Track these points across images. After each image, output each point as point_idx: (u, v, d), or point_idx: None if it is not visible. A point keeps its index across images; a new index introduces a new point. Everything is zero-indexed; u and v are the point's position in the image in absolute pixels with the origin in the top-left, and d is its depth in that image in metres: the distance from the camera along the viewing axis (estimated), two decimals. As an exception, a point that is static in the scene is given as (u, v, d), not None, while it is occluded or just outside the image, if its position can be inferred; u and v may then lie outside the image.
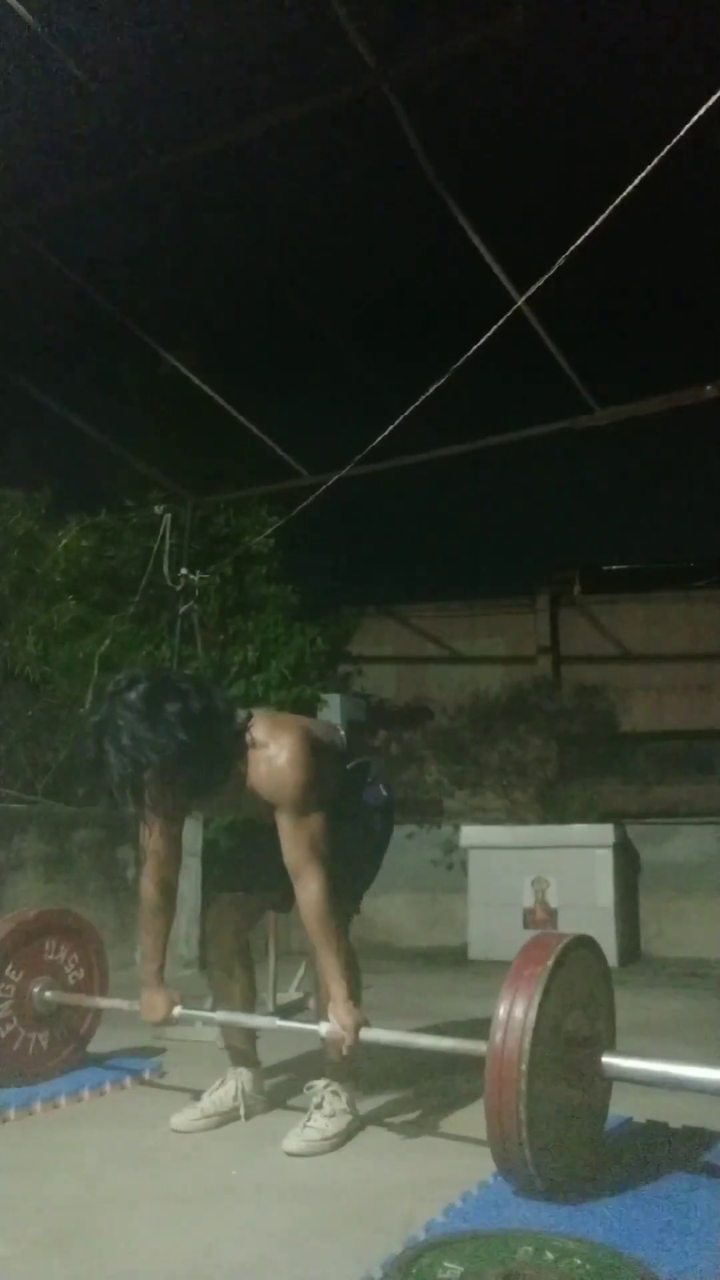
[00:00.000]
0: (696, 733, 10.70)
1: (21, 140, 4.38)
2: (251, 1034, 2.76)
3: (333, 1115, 2.47)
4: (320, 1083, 2.55)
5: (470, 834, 6.94)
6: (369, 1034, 2.36)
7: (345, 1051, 2.38)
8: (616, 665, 11.05)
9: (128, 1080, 3.03)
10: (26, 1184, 2.19)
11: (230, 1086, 2.66)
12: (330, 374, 6.33)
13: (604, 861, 6.39)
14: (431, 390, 4.52)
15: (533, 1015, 1.92)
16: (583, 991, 2.14)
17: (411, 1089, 2.96)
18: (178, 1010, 2.63)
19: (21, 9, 3.65)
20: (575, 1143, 2.07)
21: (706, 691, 11.04)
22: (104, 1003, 3.00)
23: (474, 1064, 3.24)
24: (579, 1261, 1.69)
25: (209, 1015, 2.69)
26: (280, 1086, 2.87)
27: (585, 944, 2.19)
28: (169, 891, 2.68)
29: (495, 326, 4.25)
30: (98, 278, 5.13)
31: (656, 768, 9.46)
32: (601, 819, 7.01)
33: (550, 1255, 1.71)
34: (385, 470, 5.48)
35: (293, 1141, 2.40)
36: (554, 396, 5.19)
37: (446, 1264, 1.68)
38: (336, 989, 2.39)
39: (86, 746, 2.34)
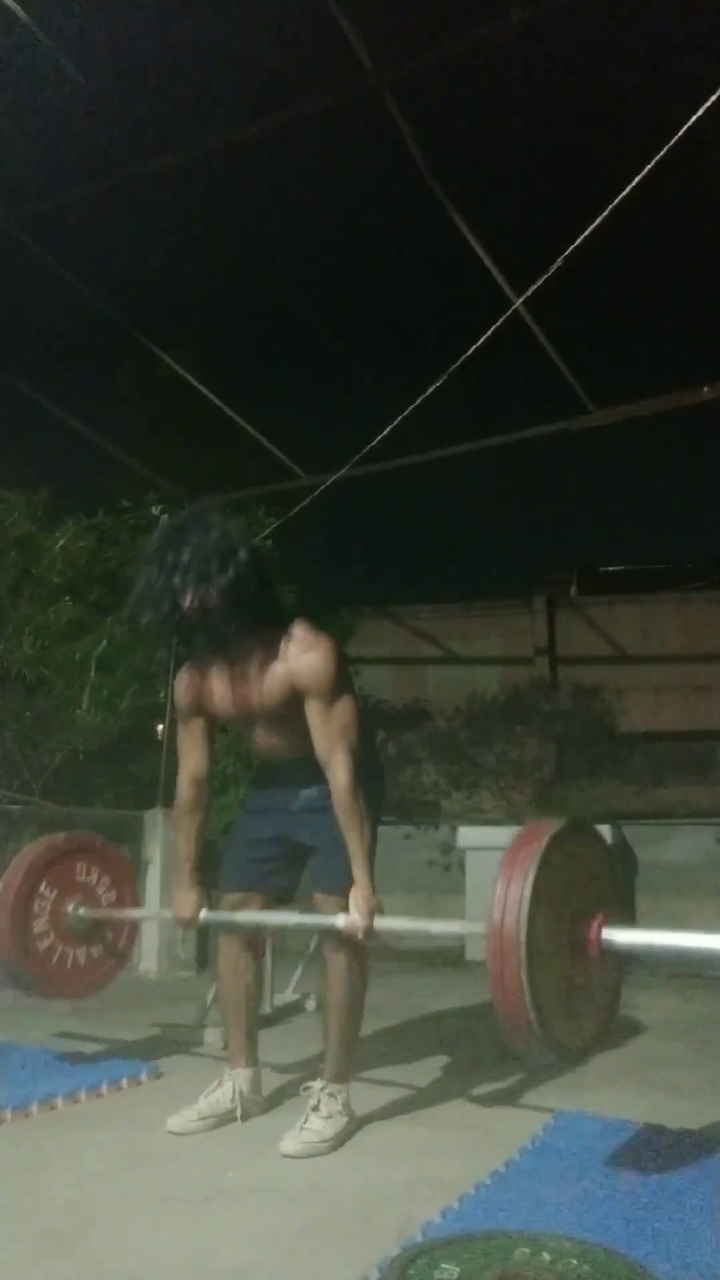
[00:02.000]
0: (693, 733, 10.72)
1: (21, 140, 4.38)
2: (254, 1032, 2.76)
3: (329, 1117, 2.47)
4: (317, 1084, 2.55)
5: (467, 835, 6.94)
6: (383, 921, 2.44)
7: (361, 937, 2.43)
8: (613, 666, 11.06)
9: (124, 1082, 3.03)
10: (23, 1185, 2.19)
11: (227, 1088, 2.65)
12: (328, 375, 6.34)
13: (601, 862, 6.39)
14: (429, 391, 4.52)
15: (529, 890, 1.96)
16: (582, 869, 2.18)
17: (409, 1091, 2.96)
18: (204, 913, 2.71)
19: (20, 10, 3.65)
20: (583, 1015, 2.11)
21: (703, 692, 11.06)
22: (135, 913, 3.21)
23: (470, 1064, 3.25)
24: (575, 1262, 1.69)
25: (231, 917, 2.71)
26: (277, 1088, 2.87)
27: (582, 827, 2.25)
28: (202, 792, 2.76)
29: (493, 328, 4.26)
30: (96, 279, 5.14)
31: (653, 768, 9.47)
32: (598, 820, 6.99)
33: (547, 1256, 1.71)
34: (383, 471, 5.48)
35: (289, 1143, 2.40)
36: (551, 398, 5.20)
37: (443, 1265, 1.68)
38: (359, 873, 2.44)
39: (149, 556, 2.48)
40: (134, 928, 3.30)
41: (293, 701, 2.53)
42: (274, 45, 4.07)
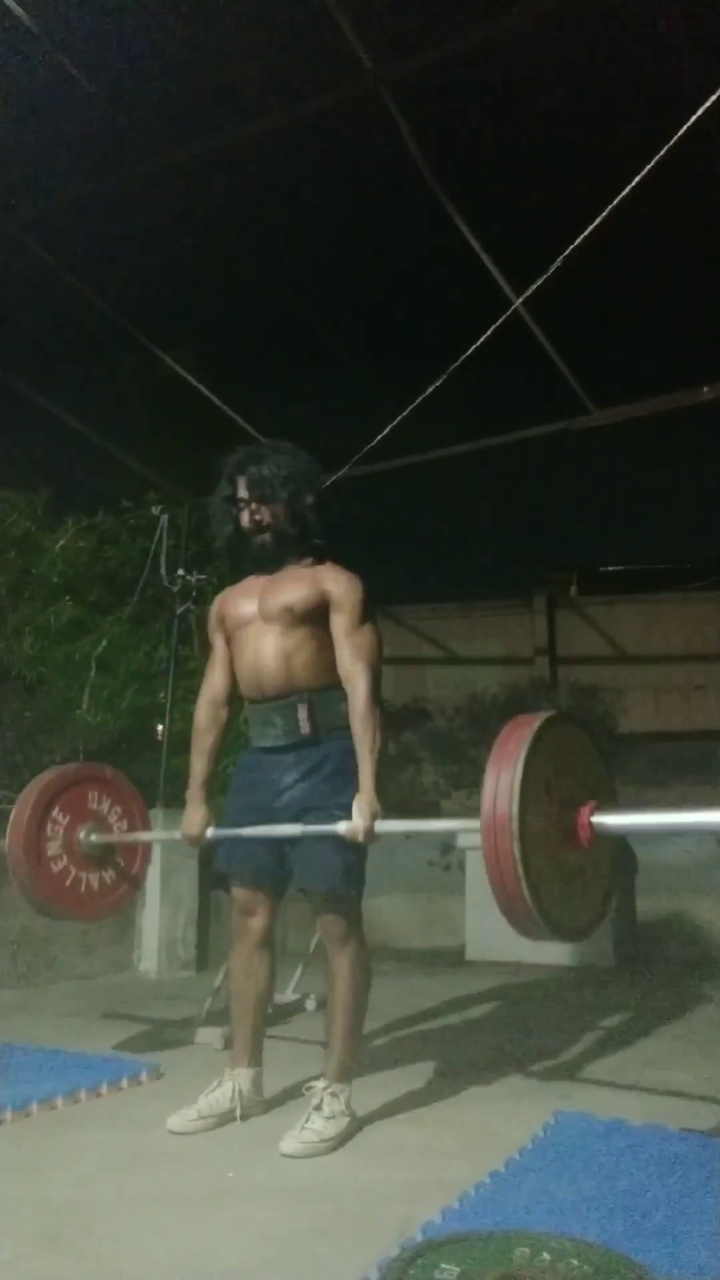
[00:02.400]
0: (694, 733, 10.71)
1: (19, 140, 4.38)
2: (261, 1033, 2.76)
3: (331, 1117, 2.48)
4: (319, 1084, 2.56)
5: (467, 835, 6.93)
6: (384, 825, 2.50)
7: (362, 839, 2.47)
8: (613, 666, 11.06)
9: (125, 1082, 3.03)
10: (23, 1185, 2.19)
11: (227, 1088, 2.66)
12: (327, 375, 6.33)
13: (601, 862, 6.39)
14: (429, 391, 4.53)
15: (519, 778, 2.02)
16: (569, 757, 2.24)
17: (410, 1091, 2.96)
18: (210, 831, 2.76)
19: (20, 10, 3.65)
20: (578, 897, 2.19)
21: (703, 692, 11.06)
22: (146, 836, 3.34)
23: (470, 1064, 3.25)
24: (576, 1262, 1.69)
25: (238, 832, 2.72)
26: (278, 1088, 2.87)
27: (568, 718, 2.32)
28: (219, 711, 2.84)
29: (493, 328, 4.26)
30: (95, 278, 5.14)
31: (653, 769, 9.46)
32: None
33: (547, 1256, 1.71)
34: (382, 471, 5.48)
35: (290, 1143, 2.40)
36: (551, 398, 5.20)
37: (443, 1265, 1.68)
38: (365, 779, 2.52)
39: (230, 463, 2.80)
40: (146, 852, 3.41)
41: (315, 614, 2.64)
42: (274, 45, 4.07)
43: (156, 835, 3.25)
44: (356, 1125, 2.56)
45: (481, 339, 4.27)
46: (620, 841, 6.70)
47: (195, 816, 2.79)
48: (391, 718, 9.57)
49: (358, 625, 2.64)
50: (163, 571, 6.22)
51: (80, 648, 6.43)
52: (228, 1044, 3.13)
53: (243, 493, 2.73)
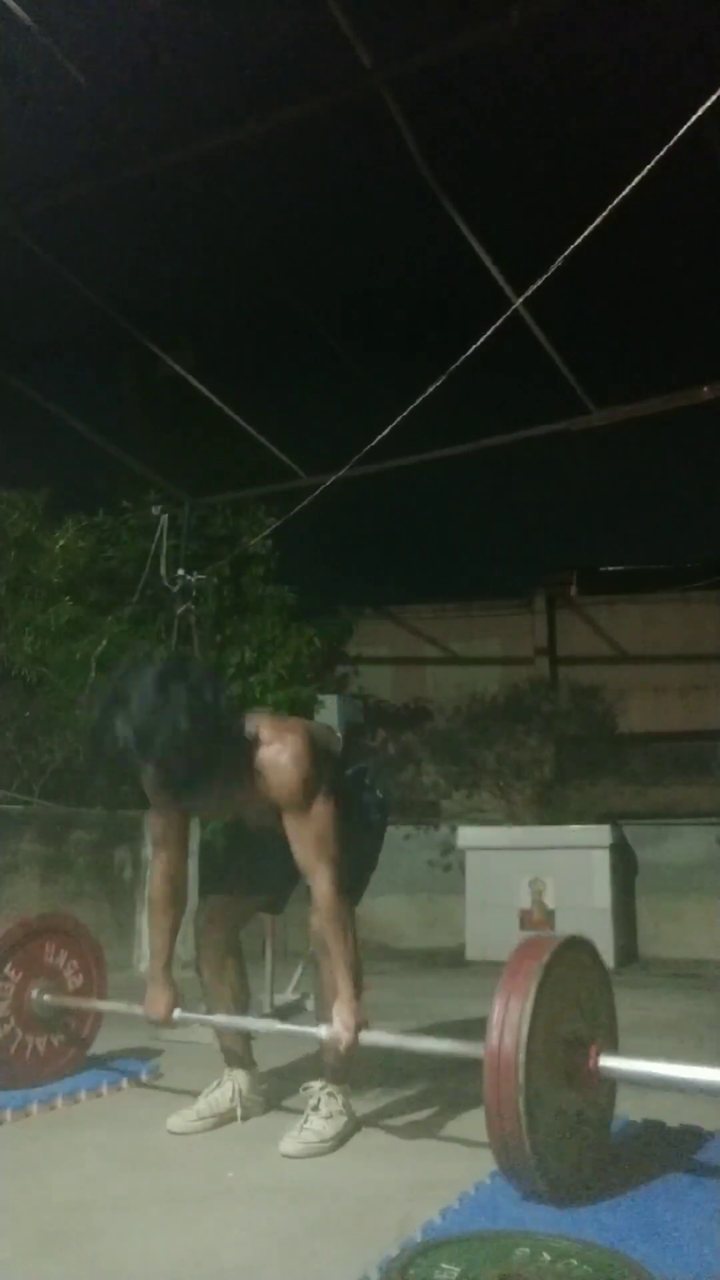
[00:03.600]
0: (693, 733, 10.71)
1: (19, 140, 4.38)
2: (246, 1036, 2.76)
3: (329, 1117, 2.47)
4: (317, 1084, 2.55)
5: (467, 835, 6.94)
6: (369, 1036, 2.35)
7: (344, 1052, 2.38)
8: (613, 666, 11.06)
9: (124, 1082, 3.03)
10: (24, 1186, 2.19)
11: (227, 1088, 2.65)
12: (328, 375, 6.33)
13: (601, 862, 6.39)
14: (429, 391, 4.52)
15: (528, 1016, 1.91)
16: (579, 992, 2.14)
17: (408, 1091, 2.96)
18: (178, 1013, 2.63)
19: (20, 10, 3.65)
20: (577, 1145, 2.06)
21: (703, 692, 11.06)
22: (104, 1005, 3.00)
23: (472, 1065, 3.25)
24: (576, 1262, 1.69)
25: (208, 1019, 2.69)
26: (277, 1088, 2.87)
27: (581, 945, 2.19)
28: (177, 887, 2.67)
29: (493, 328, 4.26)
30: (95, 278, 5.13)
31: (653, 768, 9.47)
32: (598, 820, 7.01)
33: (547, 1256, 1.71)
34: (382, 471, 5.48)
35: (289, 1143, 2.40)
36: (551, 398, 5.19)
37: (443, 1265, 1.68)
38: (343, 988, 2.38)
39: (95, 712, 2.34)
40: (98, 1016, 3.09)
41: (272, 807, 2.46)
42: (274, 45, 4.07)
43: (115, 1005, 2.92)
44: (356, 1125, 2.56)
45: (482, 339, 4.27)
46: (621, 841, 6.73)
47: (162, 998, 2.63)
48: (391, 718, 9.58)
49: (305, 814, 2.39)
50: (163, 571, 6.23)
51: (80, 647, 6.43)
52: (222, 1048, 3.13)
53: (126, 749, 2.27)
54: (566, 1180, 1.98)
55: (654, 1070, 2.14)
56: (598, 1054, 2.10)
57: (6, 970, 2.87)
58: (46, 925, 3.03)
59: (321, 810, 2.41)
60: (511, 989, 1.97)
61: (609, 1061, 2.12)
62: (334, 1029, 2.35)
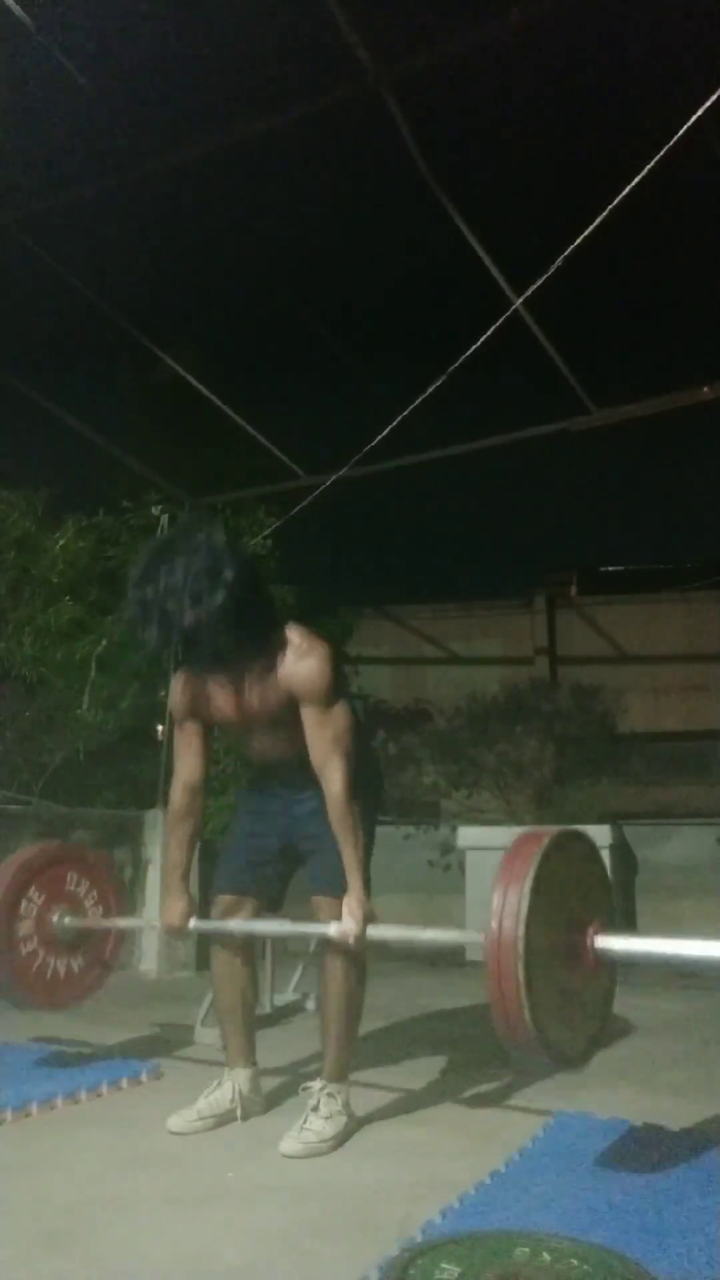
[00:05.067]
0: (693, 733, 10.71)
1: (19, 140, 4.38)
2: (251, 1032, 2.77)
3: (330, 1117, 2.48)
4: (317, 1084, 2.56)
5: (468, 835, 6.93)
6: (376, 930, 2.45)
7: (352, 943, 2.44)
8: (613, 666, 11.07)
9: (124, 1082, 3.03)
10: (23, 1185, 2.19)
11: (227, 1088, 2.66)
12: (327, 375, 6.33)
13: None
14: (429, 391, 4.52)
15: (527, 899, 1.98)
16: (576, 878, 2.20)
17: (408, 1091, 2.96)
18: (193, 922, 2.71)
19: (20, 10, 3.65)
20: (579, 1021, 2.13)
21: (703, 692, 11.07)
22: (122, 922, 3.19)
23: (471, 1064, 3.25)
24: (576, 1262, 1.69)
25: (222, 925, 2.71)
26: (277, 1088, 2.87)
27: (576, 836, 2.26)
28: (195, 799, 2.75)
29: (493, 328, 4.26)
30: (95, 278, 5.13)
31: (653, 769, 9.46)
32: (598, 820, 7.00)
33: (547, 1256, 1.71)
34: (382, 471, 5.48)
35: (290, 1143, 2.40)
36: (551, 398, 5.19)
37: (443, 1265, 1.68)
38: (352, 882, 2.46)
39: (140, 567, 2.46)
40: (119, 939, 3.27)
41: (290, 707, 2.54)
42: (274, 45, 4.07)
43: (135, 921, 3.10)
44: (356, 1125, 2.56)
45: (482, 339, 4.27)
46: (621, 840, 6.72)
47: (177, 906, 2.71)
48: (391, 718, 9.58)
49: (325, 712, 2.50)
50: (163, 571, 6.21)
51: (80, 648, 6.43)
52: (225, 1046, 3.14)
53: (165, 605, 2.40)
54: (567, 1052, 2.06)
55: (651, 946, 2.24)
56: (595, 934, 2.15)
57: (30, 892, 2.98)
58: (68, 853, 3.19)
59: (340, 712, 2.52)
60: (510, 877, 2.03)
61: (607, 941, 2.16)
62: (343, 924, 2.43)
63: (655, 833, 7.08)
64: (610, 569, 12.05)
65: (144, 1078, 3.09)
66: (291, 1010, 4.20)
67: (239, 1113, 2.63)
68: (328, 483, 5.40)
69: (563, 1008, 2.06)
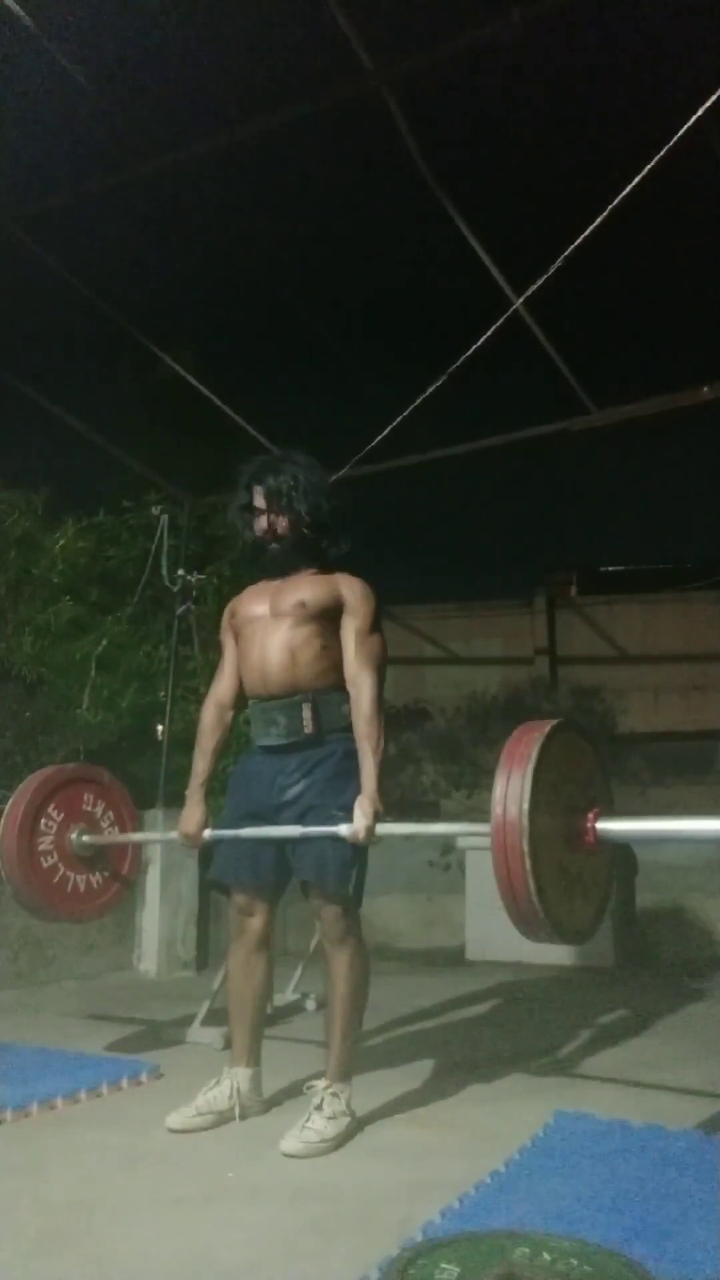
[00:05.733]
0: (693, 733, 10.72)
1: (19, 140, 4.38)
2: (259, 1032, 2.76)
3: (333, 1117, 2.48)
4: (320, 1084, 2.56)
5: (469, 836, 6.93)
6: (385, 827, 2.54)
7: (363, 838, 2.51)
8: (613, 666, 11.07)
9: (124, 1082, 3.03)
10: (23, 1185, 2.19)
11: (225, 1086, 2.66)
12: (328, 375, 6.33)
13: (601, 862, 6.39)
14: (429, 391, 4.52)
15: (529, 784, 2.06)
16: (573, 765, 2.28)
17: (408, 1091, 2.96)
18: (208, 832, 2.79)
19: (20, 10, 3.65)
20: (579, 900, 2.24)
21: (703, 692, 11.07)
22: (140, 836, 3.36)
23: (471, 1064, 3.25)
24: (576, 1262, 1.69)
25: (236, 833, 2.73)
26: (277, 1087, 2.87)
27: (572, 725, 2.34)
28: (224, 714, 2.87)
29: (493, 328, 4.26)
30: (95, 278, 5.13)
31: (653, 768, 9.47)
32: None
33: (547, 1256, 1.71)
34: (382, 471, 5.47)
35: (291, 1143, 2.40)
36: (551, 398, 5.19)
37: (444, 1265, 1.68)
38: (367, 781, 2.57)
39: (247, 472, 2.80)
40: (136, 854, 3.41)
41: (327, 613, 2.68)
42: (274, 45, 4.06)
43: (151, 836, 3.27)
44: (357, 1125, 2.56)
45: (482, 339, 4.27)
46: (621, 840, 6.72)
47: (194, 814, 2.81)
48: (392, 718, 9.56)
49: (368, 631, 2.70)
50: (163, 571, 6.23)
51: (80, 648, 6.43)
52: (228, 1044, 3.13)
53: (259, 502, 2.76)
54: (570, 928, 2.18)
55: (649, 826, 2.39)
56: (595, 818, 2.26)
57: (50, 809, 3.12)
58: (84, 774, 3.33)
59: (380, 638, 2.75)
60: (512, 764, 2.12)
61: (607, 824, 2.27)
62: (355, 821, 2.50)
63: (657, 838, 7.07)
64: (610, 569, 12.06)
65: (144, 1078, 3.09)
66: (291, 1010, 4.20)
67: (237, 1112, 2.63)
68: (328, 482, 5.39)
69: (566, 886, 2.17)
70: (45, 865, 3.11)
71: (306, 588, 2.72)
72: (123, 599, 6.80)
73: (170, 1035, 3.74)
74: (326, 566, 2.79)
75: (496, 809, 2.09)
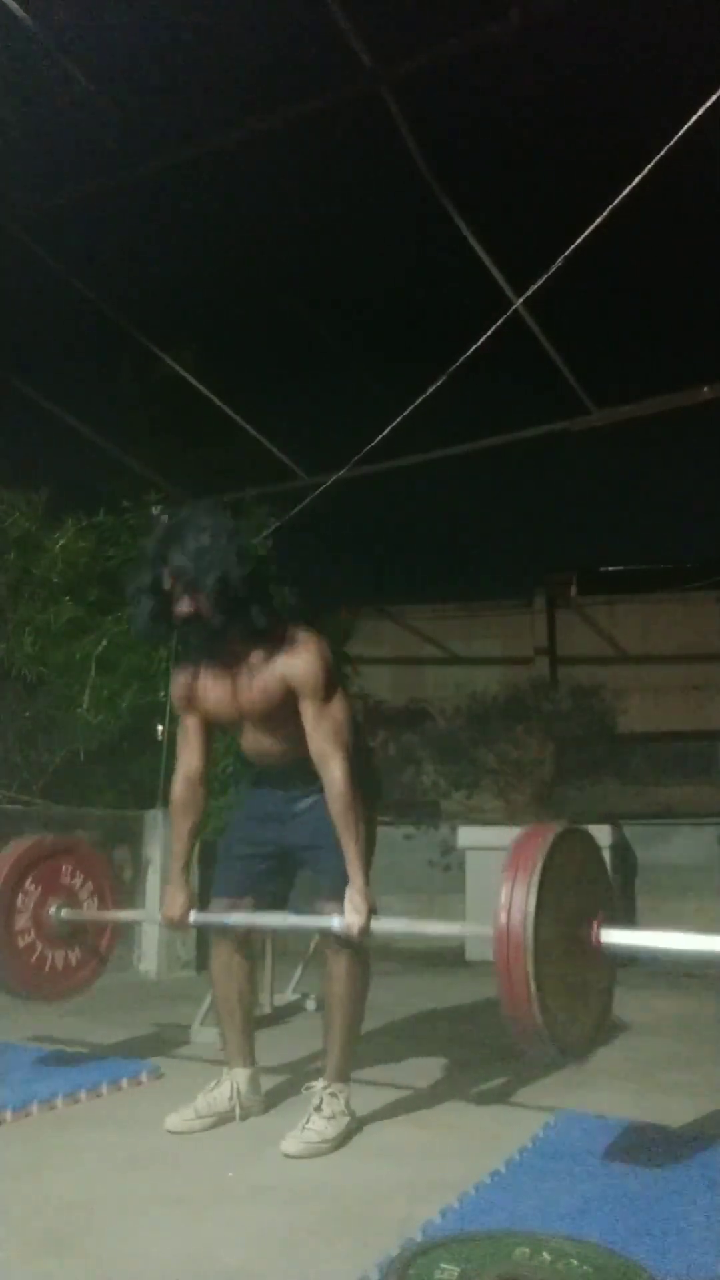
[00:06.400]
0: (693, 733, 10.72)
1: (21, 140, 4.38)
2: (250, 1032, 2.76)
3: (332, 1117, 2.47)
4: (319, 1084, 2.55)
5: (467, 835, 6.93)
6: (380, 923, 2.45)
7: (356, 936, 2.44)
8: (613, 666, 11.07)
9: (124, 1082, 3.03)
10: (23, 1186, 2.19)
11: (225, 1087, 2.65)
12: (328, 375, 6.34)
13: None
14: (429, 391, 4.52)
15: (533, 895, 2.01)
16: (577, 873, 2.23)
17: (408, 1091, 2.96)
18: (193, 915, 2.71)
19: (20, 10, 3.65)
20: (583, 1013, 2.17)
21: (703, 692, 11.07)
22: (124, 914, 3.19)
23: (471, 1064, 3.25)
24: (575, 1262, 1.69)
25: (221, 919, 2.72)
26: (277, 1088, 2.87)
27: (576, 831, 2.29)
28: (196, 790, 2.75)
29: (493, 329, 4.26)
30: (96, 278, 5.14)
31: (653, 768, 9.47)
32: (598, 820, 6.99)
33: (547, 1256, 1.71)
34: (383, 471, 5.48)
35: (291, 1143, 2.39)
36: (551, 398, 5.20)
37: (443, 1265, 1.68)
38: (354, 875, 2.46)
39: (143, 559, 2.51)
40: (115, 932, 3.28)
41: (287, 703, 2.54)
42: (274, 45, 4.06)
43: (136, 915, 3.09)
44: (356, 1125, 2.56)
45: (482, 339, 4.27)
46: (621, 840, 6.72)
47: (178, 898, 2.71)
48: (391, 718, 9.57)
49: (323, 705, 2.52)
50: (163, 571, 6.22)
51: (80, 647, 6.43)
52: (224, 1046, 3.13)
53: (167, 585, 2.47)
54: (573, 1044, 2.11)
55: (652, 940, 2.30)
56: (599, 927, 2.20)
57: (27, 884, 2.99)
58: (63, 846, 3.17)
59: (338, 706, 2.54)
60: (517, 871, 2.06)
61: (610, 934, 2.21)
62: (346, 917, 2.43)
63: (655, 833, 7.08)
64: (610, 569, 12.05)
65: (144, 1078, 3.09)
66: (291, 1010, 4.20)
67: (237, 1112, 2.63)
68: (328, 483, 5.40)
69: (568, 1000, 2.10)
70: (22, 945, 2.96)
71: (255, 686, 2.55)
72: (123, 599, 6.80)
73: (170, 1035, 3.74)
74: (263, 633, 2.54)
75: (500, 917, 2.03)
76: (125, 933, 5.47)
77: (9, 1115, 2.65)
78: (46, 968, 3.03)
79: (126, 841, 6.07)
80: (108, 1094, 2.94)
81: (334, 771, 2.48)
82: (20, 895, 2.98)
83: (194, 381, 5.59)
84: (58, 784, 6.13)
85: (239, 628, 2.50)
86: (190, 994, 4.50)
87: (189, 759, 2.75)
